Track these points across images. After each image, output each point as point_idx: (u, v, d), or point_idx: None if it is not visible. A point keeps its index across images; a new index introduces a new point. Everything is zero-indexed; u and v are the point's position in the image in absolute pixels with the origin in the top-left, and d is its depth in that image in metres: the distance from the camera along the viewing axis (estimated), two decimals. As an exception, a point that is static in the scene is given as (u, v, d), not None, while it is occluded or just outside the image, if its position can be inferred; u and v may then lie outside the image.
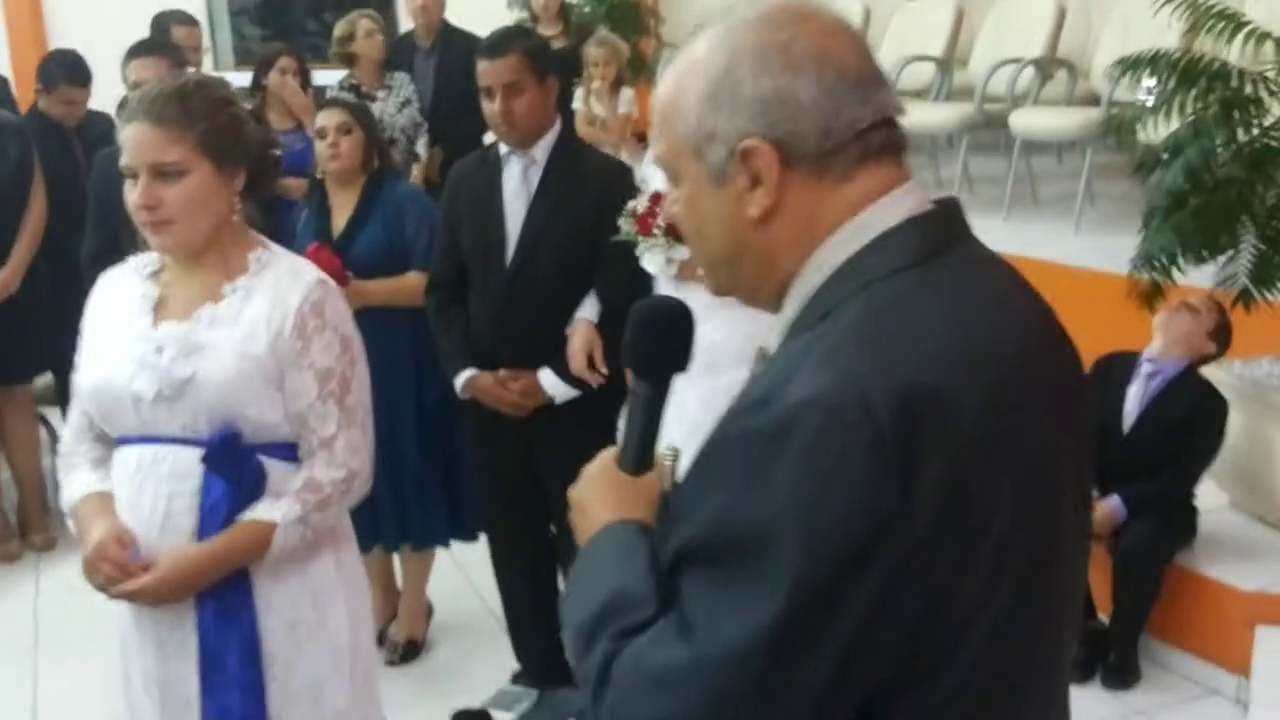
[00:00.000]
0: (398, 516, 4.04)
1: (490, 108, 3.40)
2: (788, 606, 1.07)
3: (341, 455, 2.26)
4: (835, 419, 1.08)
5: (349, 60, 6.29)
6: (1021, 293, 1.29)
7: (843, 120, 1.20)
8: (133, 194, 2.16)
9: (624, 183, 3.47)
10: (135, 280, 2.32)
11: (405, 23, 9.23)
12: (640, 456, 1.37)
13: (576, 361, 3.41)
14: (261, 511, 2.22)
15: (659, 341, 1.38)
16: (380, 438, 3.84)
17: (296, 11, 12.22)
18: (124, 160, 2.18)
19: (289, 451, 2.27)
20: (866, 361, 1.12)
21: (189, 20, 6.13)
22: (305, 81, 5.79)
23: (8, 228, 4.96)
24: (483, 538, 4.03)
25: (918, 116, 6.03)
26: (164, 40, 4.28)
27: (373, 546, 4.09)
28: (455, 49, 6.45)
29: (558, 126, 3.50)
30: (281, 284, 2.24)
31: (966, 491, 1.11)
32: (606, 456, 1.40)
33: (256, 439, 2.22)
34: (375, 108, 5.98)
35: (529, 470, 3.54)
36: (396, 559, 4.31)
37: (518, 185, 3.47)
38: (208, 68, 8.25)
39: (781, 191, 1.21)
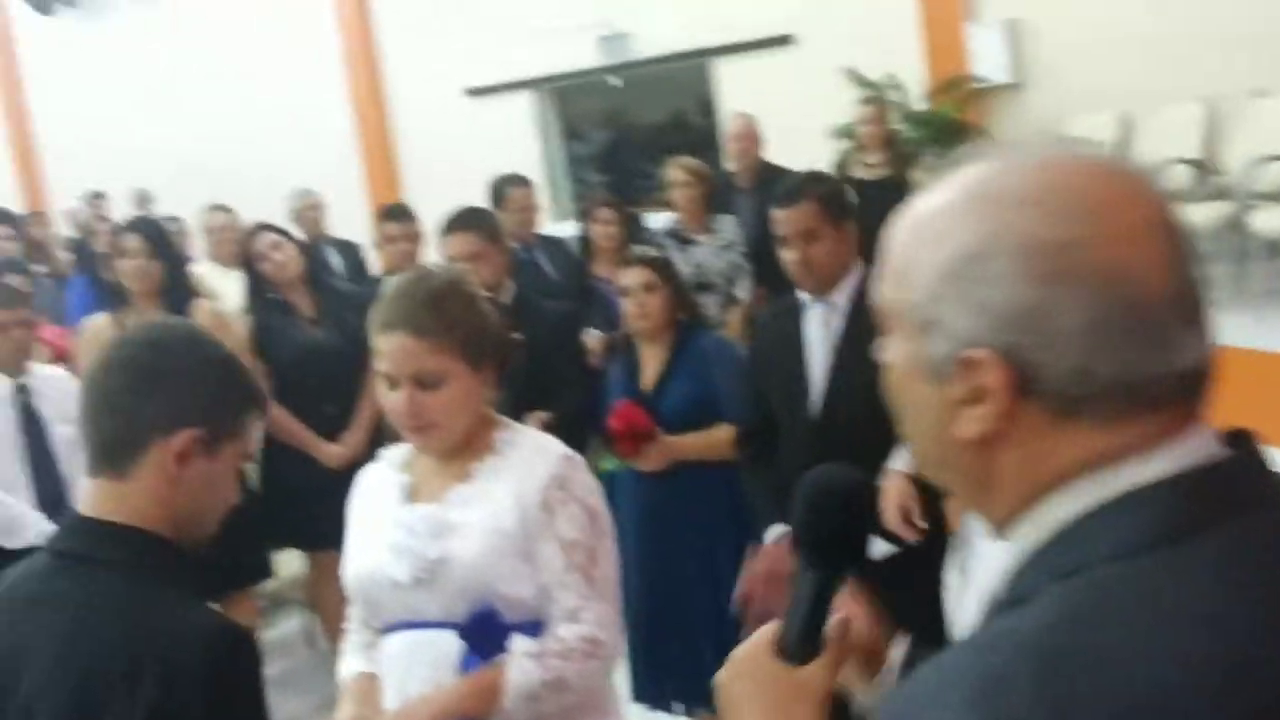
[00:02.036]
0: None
1: (787, 256, 3.36)
2: None
3: (586, 621, 2.23)
4: None
5: (672, 205, 6.41)
6: None
7: (1111, 365, 0.91)
8: (394, 400, 2.23)
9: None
10: (390, 471, 2.40)
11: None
12: (805, 645, 1.21)
13: (891, 516, 3.24)
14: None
15: (831, 524, 1.23)
16: (704, 595, 3.90)
17: (634, 157, 12.67)
18: (384, 368, 2.24)
19: (543, 630, 2.26)
20: (1036, 703, 0.81)
21: (523, 182, 6.37)
22: (628, 229, 5.95)
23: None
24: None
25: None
26: (477, 216, 4.41)
27: (698, 709, 4.01)
28: (775, 188, 6.45)
29: (860, 269, 3.40)
30: (528, 460, 2.27)
31: None
32: (762, 641, 1.23)
33: (512, 617, 2.22)
34: (695, 252, 6.05)
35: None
36: None
37: (819, 332, 3.39)
38: (547, 221, 8.65)
39: (1007, 420, 0.94)
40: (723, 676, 1.24)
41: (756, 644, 1.23)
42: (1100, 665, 0.82)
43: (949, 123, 9.02)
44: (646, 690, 4.03)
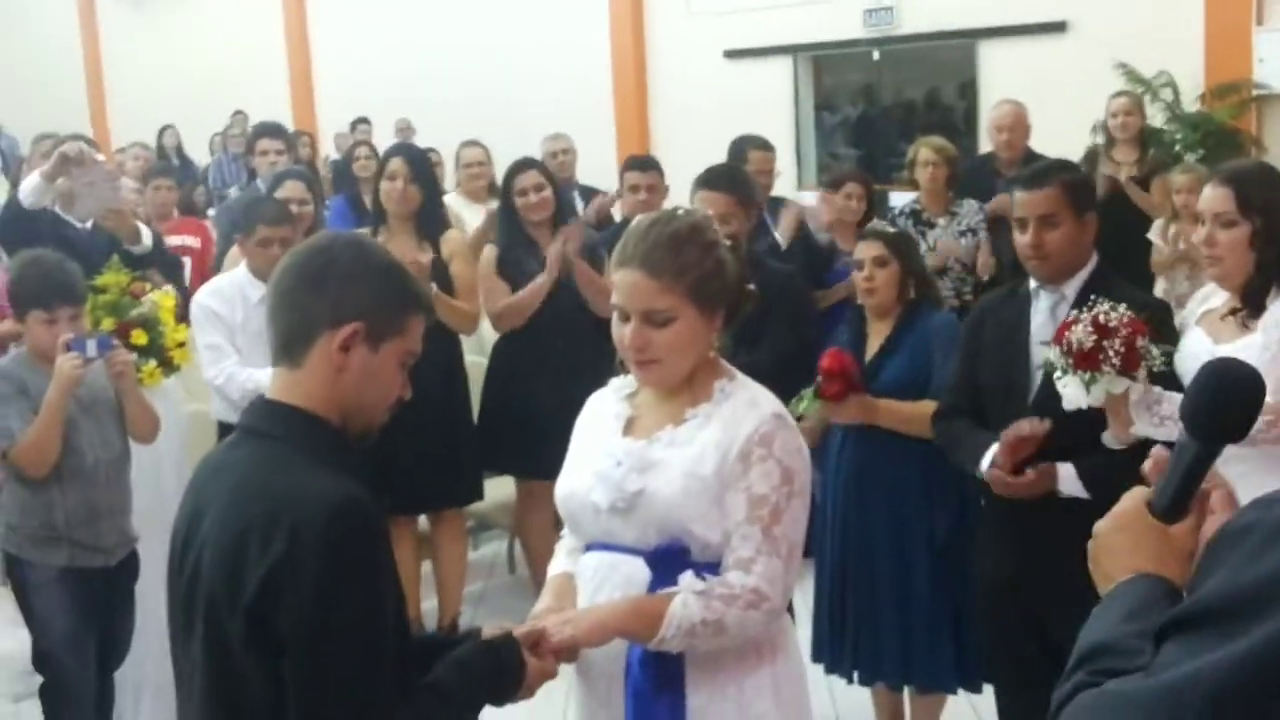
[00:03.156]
0: (903, 654, 3.93)
1: (1022, 239, 3.29)
2: (1260, 649, 1.02)
3: (755, 573, 2.26)
4: None
5: (916, 185, 6.33)
6: None
7: None
8: (623, 332, 2.31)
9: (1160, 324, 3.19)
10: (614, 400, 2.48)
11: (985, 144, 9.22)
12: (1175, 507, 1.38)
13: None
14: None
15: (1222, 401, 1.35)
16: (891, 570, 3.89)
17: (887, 132, 12.52)
18: (616, 300, 2.32)
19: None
20: None
21: (765, 145, 6.40)
22: (870, 203, 5.92)
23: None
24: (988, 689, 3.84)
25: None
26: (733, 178, 4.43)
27: (875, 682, 4.02)
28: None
29: (1093, 263, 3.32)
30: (739, 412, 2.31)
31: None
32: (1138, 497, 1.40)
33: (703, 558, 2.29)
34: (932, 234, 5.97)
35: (1039, 628, 3.32)
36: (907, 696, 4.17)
37: (1045, 321, 3.31)
38: (789, 187, 8.64)
39: None
40: (1102, 526, 1.41)
41: (1134, 500, 1.40)
42: None
43: (1220, 128, 8.60)
44: (826, 653, 4.05)
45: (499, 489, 5.73)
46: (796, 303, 4.50)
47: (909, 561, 3.86)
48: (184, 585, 1.96)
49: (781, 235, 5.86)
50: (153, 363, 4.22)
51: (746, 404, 2.33)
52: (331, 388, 1.96)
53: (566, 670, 2.35)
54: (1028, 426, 3.20)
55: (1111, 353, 2.97)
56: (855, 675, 4.04)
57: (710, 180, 4.32)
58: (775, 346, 3.91)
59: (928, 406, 3.73)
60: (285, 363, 1.99)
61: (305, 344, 1.96)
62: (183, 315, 4.65)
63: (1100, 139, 7.17)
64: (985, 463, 3.31)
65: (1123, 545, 1.37)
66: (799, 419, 3.10)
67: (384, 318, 1.98)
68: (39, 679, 3.92)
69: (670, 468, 2.29)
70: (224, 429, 4.52)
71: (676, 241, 2.28)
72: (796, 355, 3.98)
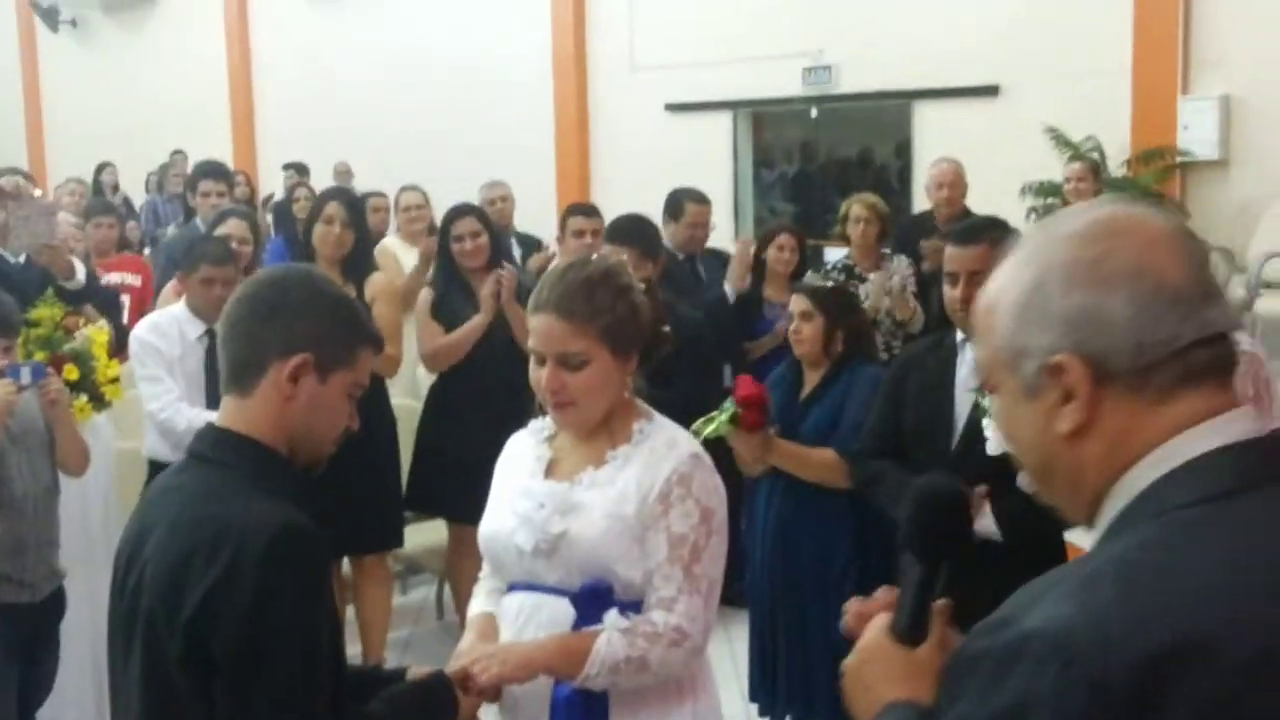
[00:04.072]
0: (834, 695, 3.96)
1: (951, 292, 3.38)
2: None
3: (678, 612, 2.31)
4: (1059, 654, 1.05)
5: (849, 240, 6.44)
6: None
7: (1159, 337, 1.17)
8: (540, 375, 2.37)
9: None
10: (533, 442, 2.53)
11: (919, 201, 9.41)
12: (914, 629, 1.40)
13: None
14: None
15: (935, 523, 1.42)
16: (820, 614, 3.94)
17: (824, 188, 12.70)
18: (532, 343, 2.39)
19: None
20: (1119, 598, 1.07)
21: (701, 199, 6.50)
22: (802, 255, 6.03)
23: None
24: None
25: None
26: (637, 230, 4.67)
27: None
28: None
29: (1018, 320, 3.42)
30: (658, 453, 2.37)
31: None
32: (879, 627, 1.42)
33: (626, 596, 2.33)
34: (864, 289, 6.08)
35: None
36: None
37: (970, 372, 3.39)
38: (726, 239, 8.75)
39: (1093, 408, 1.19)
40: (850, 663, 1.43)
41: (877, 631, 1.42)
42: (1167, 571, 1.09)
43: (1146, 192, 8.83)
44: (760, 695, 4.11)
45: (429, 534, 5.73)
46: (707, 349, 4.64)
47: (837, 606, 3.90)
48: (125, 606, 1.98)
49: (733, 269, 5.97)
50: (84, 398, 4.21)
51: (665, 445, 2.38)
52: (280, 416, 2.01)
53: (490, 709, 2.39)
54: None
55: None
56: (788, 717, 4.09)
57: (614, 233, 4.58)
58: (686, 390, 3.98)
59: (826, 454, 3.83)
60: (235, 391, 2.04)
61: (255, 373, 2.01)
62: (119, 351, 4.64)
63: (1028, 200, 7.35)
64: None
65: (873, 676, 1.39)
66: (712, 446, 3.16)
67: (333, 349, 2.03)
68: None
69: (592, 509, 2.34)
70: (155, 467, 4.50)
71: (589, 286, 2.34)
72: (706, 396, 4.09)
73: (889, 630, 1.42)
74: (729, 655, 4.59)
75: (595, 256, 2.50)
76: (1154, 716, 1.03)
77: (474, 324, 5.24)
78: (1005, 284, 1.26)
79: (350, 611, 5.44)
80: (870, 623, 1.44)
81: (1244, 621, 1.05)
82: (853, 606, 1.53)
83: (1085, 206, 1.28)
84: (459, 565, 5.51)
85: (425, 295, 5.44)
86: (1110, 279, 1.18)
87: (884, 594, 1.48)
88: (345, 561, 5.35)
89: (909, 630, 1.41)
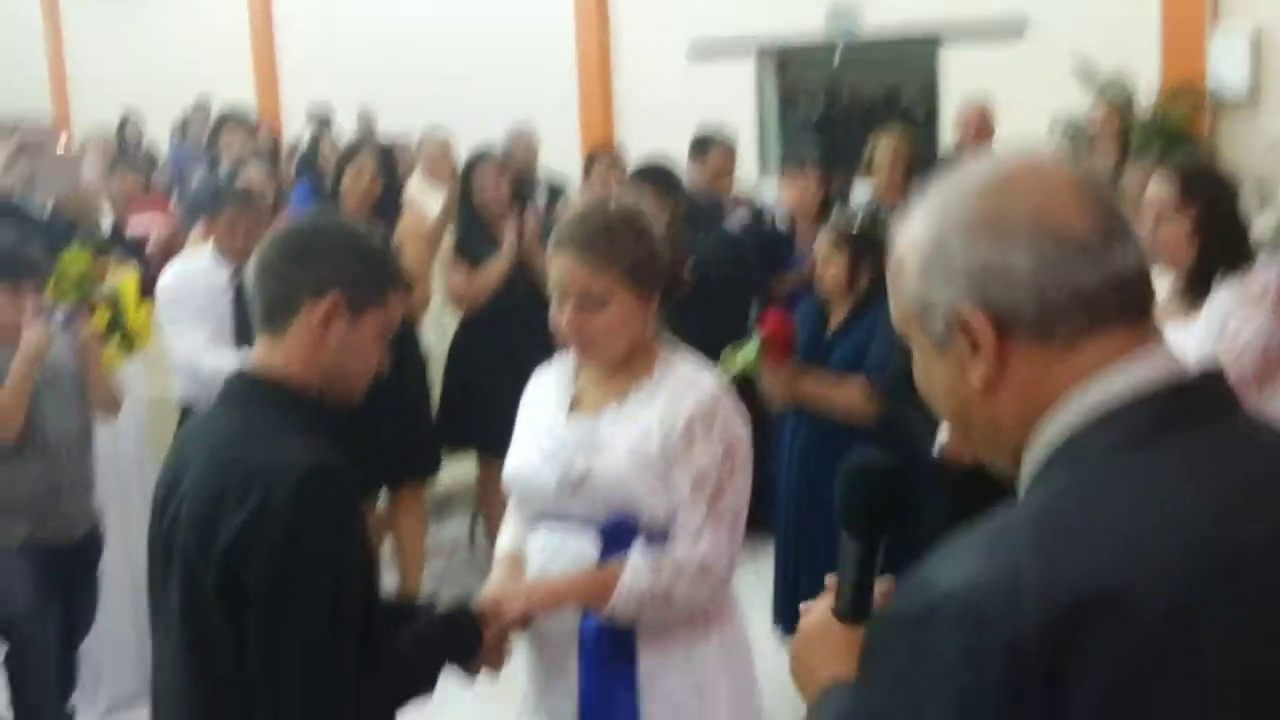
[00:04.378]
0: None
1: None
2: None
3: (702, 547, 2.33)
4: (971, 613, 1.02)
5: (873, 175, 6.40)
6: None
7: (1062, 287, 1.15)
8: (560, 314, 2.39)
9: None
10: (557, 378, 2.56)
11: (946, 143, 9.33)
12: (856, 608, 1.39)
13: None
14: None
15: (869, 499, 1.38)
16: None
17: (848, 131, 12.61)
18: (553, 283, 2.41)
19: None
20: (1031, 552, 1.03)
21: (725, 143, 6.46)
22: (827, 192, 6.02)
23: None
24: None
25: None
26: (661, 174, 4.77)
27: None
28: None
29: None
30: (680, 389, 2.39)
31: (1141, 700, 1.00)
32: (823, 608, 1.41)
33: (651, 529, 2.36)
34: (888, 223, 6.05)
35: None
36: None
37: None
38: (753, 179, 8.72)
39: (1001, 361, 1.17)
40: (796, 646, 1.42)
41: (819, 612, 1.42)
42: (1080, 522, 1.06)
43: (1174, 130, 8.74)
44: (785, 617, 4.19)
45: (460, 468, 5.78)
46: (725, 282, 4.71)
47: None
48: (162, 538, 2.02)
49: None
50: (115, 343, 4.25)
51: (688, 381, 2.40)
52: (312, 356, 2.04)
53: (520, 640, 2.42)
54: None
55: None
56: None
57: (634, 175, 4.76)
58: (704, 320, 3.99)
59: (853, 388, 3.85)
60: (268, 331, 2.07)
61: (288, 313, 2.03)
62: (145, 297, 4.67)
63: (1057, 139, 7.28)
64: (945, 432, 3.39)
65: (818, 658, 1.37)
66: (740, 380, 3.18)
67: (364, 290, 2.06)
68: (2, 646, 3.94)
69: (616, 445, 2.36)
70: (185, 412, 4.55)
71: (610, 228, 2.36)
72: (725, 328, 4.12)
73: (832, 611, 1.40)
74: (756, 581, 4.64)
75: (615, 198, 2.51)
76: (1073, 673, 0.99)
77: (496, 266, 5.26)
78: (910, 238, 1.24)
79: (387, 545, 5.52)
80: (814, 604, 1.44)
81: (1161, 573, 1.02)
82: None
83: (989, 159, 1.26)
84: (490, 498, 5.56)
85: (448, 240, 5.48)
86: (1010, 231, 1.16)
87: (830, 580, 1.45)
88: (381, 498, 5.42)
89: (851, 610, 1.39)
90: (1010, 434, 1.20)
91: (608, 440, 2.37)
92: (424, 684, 2.15)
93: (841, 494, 1.40)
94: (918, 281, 1.22)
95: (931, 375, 1.26)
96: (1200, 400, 1.16)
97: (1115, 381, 1.14)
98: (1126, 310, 1.17)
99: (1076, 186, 1.20)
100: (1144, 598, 1.01)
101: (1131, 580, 1.01)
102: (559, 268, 2.38)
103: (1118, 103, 7.49)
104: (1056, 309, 1.15)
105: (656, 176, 4.74)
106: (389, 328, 2.12)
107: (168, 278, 4.72)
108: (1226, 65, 8.96)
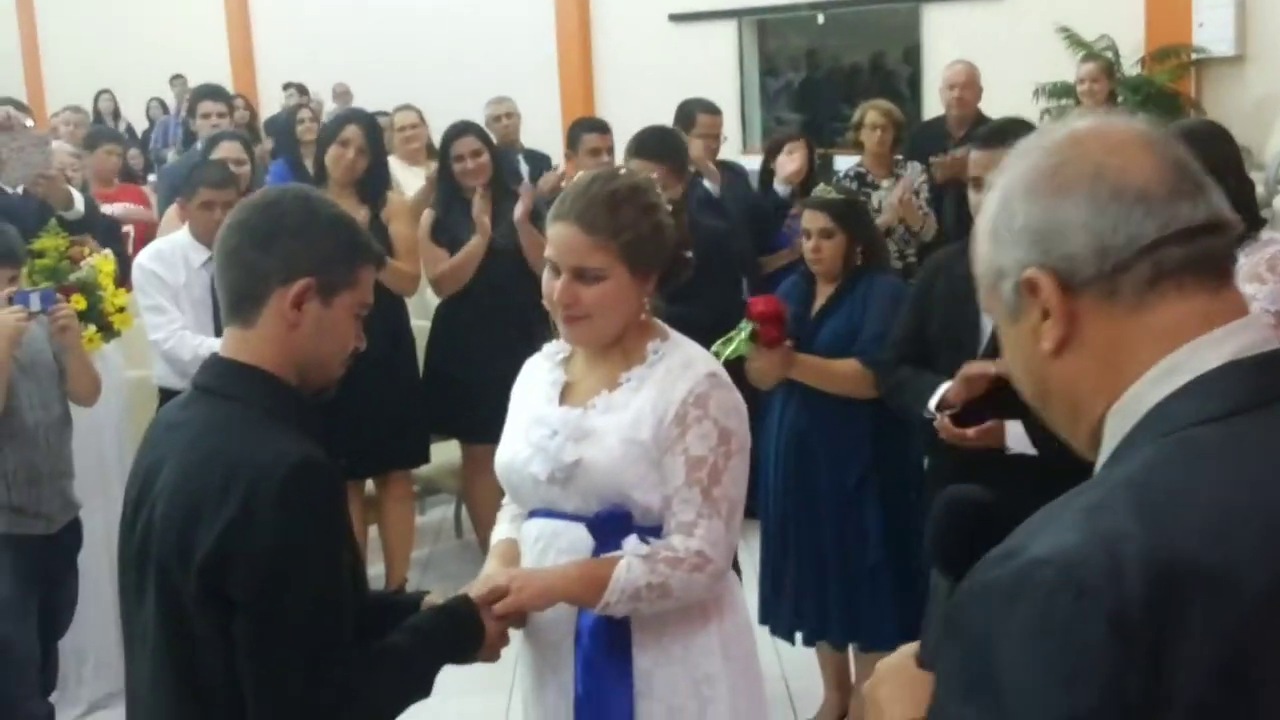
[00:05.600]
0: (849, 613, 3.95)
1: (975, 197, 3.30)
2: None
3: (698, 536, 2.26)
4: (1071, 582, 0.99)
5: (861, 147, 6.33)
6: None
7: (1120, 238, 1.12)
8: (553, 286, 2.29)
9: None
10: (548, 366, 2.46)
11: (930, 108, 9.25)
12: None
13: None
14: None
15: (968, 537, 1.27)
16: (836, 530, 3.91)
17: (829, 97, 12.53)
18: (549, 253, 2.31)
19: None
20: (1131, 520, 1.01)
21: (712, 109, 6.37)
22: (812, 165, 5.93)
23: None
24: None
25: None
26: (665, 144, 4.43)
27: (819, 642, 4.06)
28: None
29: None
30: (673, 374, 2.30)
31: (1247, 680, 0.98)
32: (906, 652, 1.35)
33: (645, 522, 2.28)
34: (876, 196, 5.98)
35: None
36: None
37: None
38: (734, 151, 8.63)
39: (1071, 321, 1.15)
40: (870, 683, 1.36)
41: (902, 655, 1.36)
42: (1179, 494, 1.03)
43: (1160, 91, 8.68)
44: (771, 614, 4.08)
45: (445, 453, 5.71)
46: (730, 262, 4.54)
47: (854, 522, 3.87)
48: (136, 543, 1.94)
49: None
50: (92, 328, 4.16)
51: (681, 365, 2.31)
52: (286, 345, 1.95)
53: (515, 635, 2.35)
54: (978, 367, 3.22)
55: None
56: (797, 636, 4.08)
57: (642, 148, 4.32)
58: (713, 304, 3.89)
59: (849, 364, 3.77)
60: (237, 322, 1.98)
61: (257, 303, 1.95)
62: (123, 281, 4.58)
63: (1041, 103, 7.21)
64: (934, 400, 3.33)
65: (886, 698, 1.33)
66: (727, 362, 3.09)
67: (335, 271, 1.97)
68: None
69: (606, 435, 2.28)
70: (165, 395, 4.46)
71: (615, 200, 2.26)
72: (730, 312, 3.99)
73: (915, 655, 1.34)
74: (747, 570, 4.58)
75: (625, 170, 2.41)
76: (1174, 648, 0.97)
77: (472, 246, 5.16)
78: (985, 206, 1.23)
79: (373, 531, 5.46)
80: (902, 647, 1.38)
81: (1263, 548, 1.00)
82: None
83: (1060, 123, 1.24)
84: (475, 484, 5.50)
85: (426, 217, 5.36)
86: (1066, 185, 1.15)
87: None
88: (368, 482, 5.35)
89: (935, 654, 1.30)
90: (1089, 405, 1.17)
91: (598, 429, 2.29)
92: (426, 678, 2.09)
93: (936, 530, 1.33)
94: (989, 248, 1.21)
95: (1010, 346, 1.24)
96: None
97: (1212, 349, 1.11)
98: (1199, 269, 1.13)
99: (1147, 143, 1.17)
100: (1246, 574, 0.99)
101: (1232, 558, 0.99)
102: (557, 237, 2.29)
103: (1107, 63, 7.40)
104: (1116, 262, 1.12)
105: (667, 150, 4.35)
106: (363, 306, 2.03)
107: (144, 258, 4.62)
108: (1212, 26, 8.90)
